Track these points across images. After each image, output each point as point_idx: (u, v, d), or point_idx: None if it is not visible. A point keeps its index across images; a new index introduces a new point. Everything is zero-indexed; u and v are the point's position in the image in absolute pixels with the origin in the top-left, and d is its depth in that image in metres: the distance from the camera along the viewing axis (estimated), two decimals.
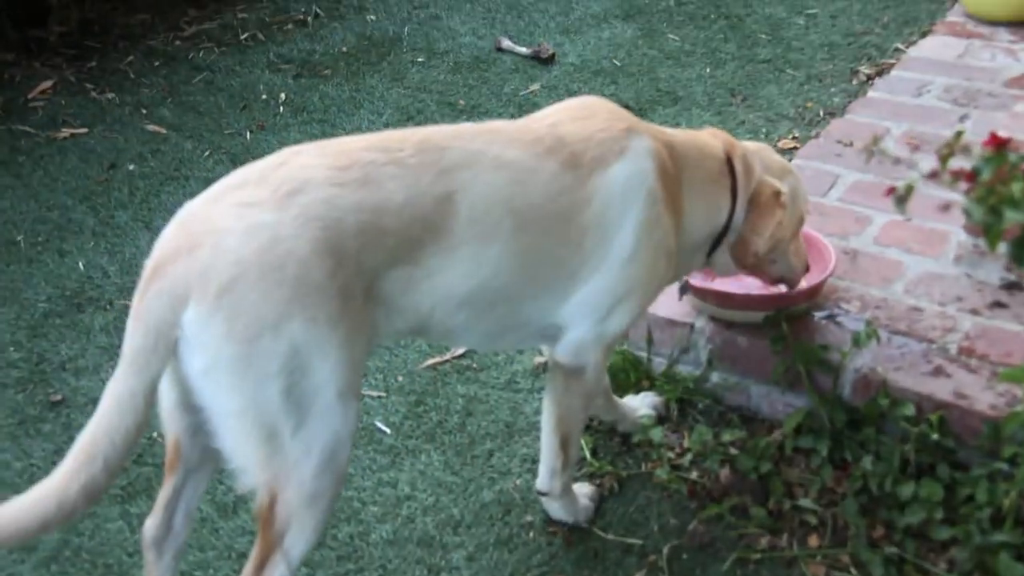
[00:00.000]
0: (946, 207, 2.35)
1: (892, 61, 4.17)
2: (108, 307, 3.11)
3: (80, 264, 3.29)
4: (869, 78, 4.14)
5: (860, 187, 3.09)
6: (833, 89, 4.11)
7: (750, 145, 2.33)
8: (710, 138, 2.27)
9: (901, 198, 1.58)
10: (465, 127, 1.98)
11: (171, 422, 1.93)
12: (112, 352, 2.91)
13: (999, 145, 1.65)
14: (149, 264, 1.76)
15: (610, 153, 2.02)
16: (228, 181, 1.81)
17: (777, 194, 2.23)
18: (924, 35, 4.33)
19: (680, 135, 2.22)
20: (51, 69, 4.57)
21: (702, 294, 2.55)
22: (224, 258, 1.68)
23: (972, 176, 1.64)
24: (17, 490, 1.68)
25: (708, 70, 4.36)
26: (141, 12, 5.03)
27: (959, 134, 1.72)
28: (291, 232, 1.71)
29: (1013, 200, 1.51)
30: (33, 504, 1.67)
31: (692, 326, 2.60)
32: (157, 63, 4.63)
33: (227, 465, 1.82)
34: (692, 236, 2.20)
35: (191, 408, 1.83)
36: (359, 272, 1.78)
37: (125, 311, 3.08)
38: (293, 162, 1.80)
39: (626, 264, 2.04)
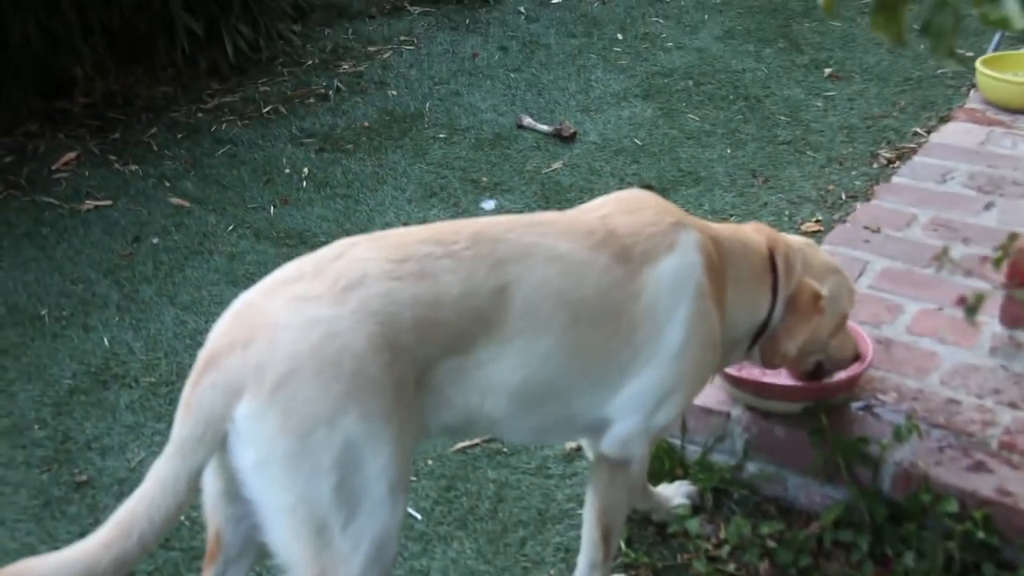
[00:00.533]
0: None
1: (912, 146, 4.22)
2: (134, 384, 3.08)
3: (105, 340, 3.28)
4: (889, 162, 4.18)
5: (890, 274, 3.09)
6: (854, 172, 4.15)
7: (794, 240, 2.34)
8: (754, 233, 2.28)
9: (972, 309, 1.58)
10: (517, 219, 1.99)
11: (215, 512, 1.90)
12: (138, 431, 2.89)
13: None
14: (203, 355, 1.75)
15: (660, 247, 2.02)
16: (283, 273, 1.81)
17: (817, 297, 2.24)
18: (943, 120, 4.38)
19: (725, 230, 2.24)
20: (75, 140, 4.60)
21: (739, 383, 2.54)
22: (280, 353, 1.67)
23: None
24: None
25: (729, 150, 4.39)
26: (164, 84, 5.08)
27: (1013, 237, 1.73)
28: (348, 326, 1.70)
29: None
30: (63, 565, 1.65)
31: (728, 415, 2.58)
32: (180, 135, 4.66)
33: (273, 559, 1.79)
34: (734, 330, 2.21)
35: (236, 499, 1.81)
36: (413, 364, 1.78)
37: (151, 389, 3.11)
38: (349, 255, 1.80)
39: (676, 358, 2.03)
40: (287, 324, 1.70)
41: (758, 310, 2.24)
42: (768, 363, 2.29)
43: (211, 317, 2.61)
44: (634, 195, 2.16)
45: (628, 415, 2.06)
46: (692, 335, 2.05)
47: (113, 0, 4.63)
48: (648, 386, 2.04)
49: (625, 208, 2.08)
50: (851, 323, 2.66)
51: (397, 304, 1.75)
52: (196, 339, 3.13)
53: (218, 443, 1.71)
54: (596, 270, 1.95)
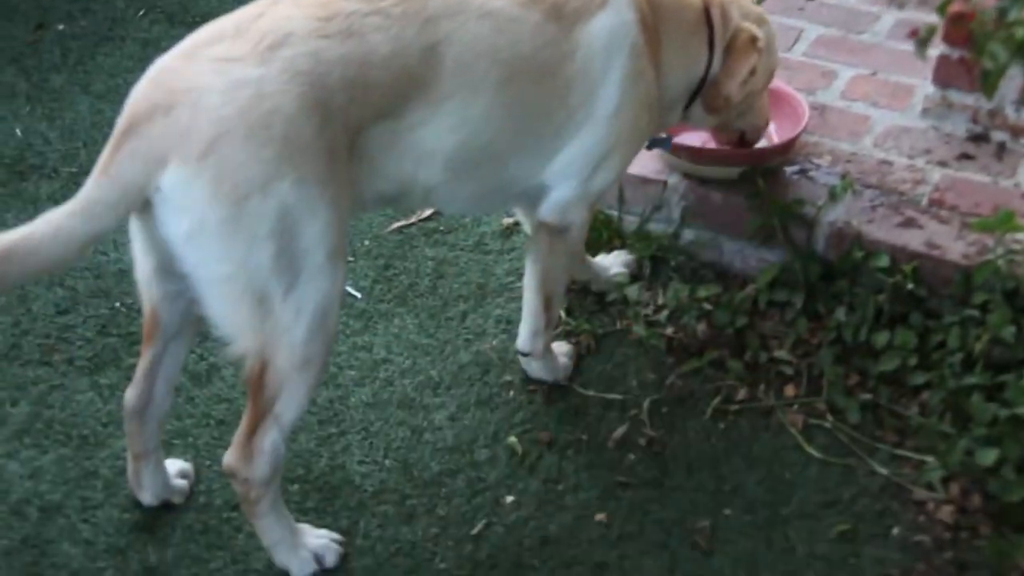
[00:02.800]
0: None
1: None
2: (53, 175, 2.97)
3: (17, 131, 3.13)
4: None
5: (824, 41, 3.06)
6: None
7: None
8: None
9: (923, 41, 1.55)
10: None
11: (148, 291, 1.87)
12: None
13: None
14: (121, 122, 1.67)
15: (592, 4, 1.95)
16: (201, 35, 1.71)
17: (754, 39, 2.19)
18: None
19: None
20: None
21: (676, 150, 2.52)
22: (206, 117, 1.60)
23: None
24: None
25: None
26: None
27: None
28: (276, 88, 1.63)
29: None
30: None
31: (665, 183, 2.58)
32: None
33: (214, 331, 1.78)
34: (670, 91, 2.17)
35: (171, 276, 1.77)
36: (345, 128, 1.72)
37: (71, 179, 2.99)
38: (271, 13, 1.70)
39: (611, 119, 2.00)
40: (211, 87, 1.61)
41: (695, 67, 2.19)
42: (710, 108, 2.24)
43: None
44: None
45: (565, 180, 2.04)
46: (628, 96, 2.00)
47: None
48: (584, 149, 2.01)
49: None
50: (787, 87, 2.65)
51: (325, 64, 1.67)
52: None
53: (129, 212, 1.67)
54: (529, 27, 1.88)
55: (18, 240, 1.61)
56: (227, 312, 1.71)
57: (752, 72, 2.19)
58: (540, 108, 1.92)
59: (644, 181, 2.59)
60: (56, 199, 2.85)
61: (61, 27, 3.63)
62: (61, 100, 3.26)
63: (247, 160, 1.60)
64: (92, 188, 1.64)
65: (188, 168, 1.60)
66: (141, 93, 1.68)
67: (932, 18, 1.84)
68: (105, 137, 2.15)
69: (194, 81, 1.63)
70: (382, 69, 1.73)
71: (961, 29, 1.96)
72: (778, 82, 2.51)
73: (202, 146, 1.59)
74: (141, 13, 3.71)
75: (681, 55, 2.15)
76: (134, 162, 1.63)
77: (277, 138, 1.61)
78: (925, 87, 2.75)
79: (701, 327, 2.40)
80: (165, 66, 1.69)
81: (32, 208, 2.84)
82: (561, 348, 2.37)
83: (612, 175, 2.09)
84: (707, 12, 2.17)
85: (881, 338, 2.26)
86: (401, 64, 1.75)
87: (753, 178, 2.46)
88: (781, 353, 2.34)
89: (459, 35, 1.80)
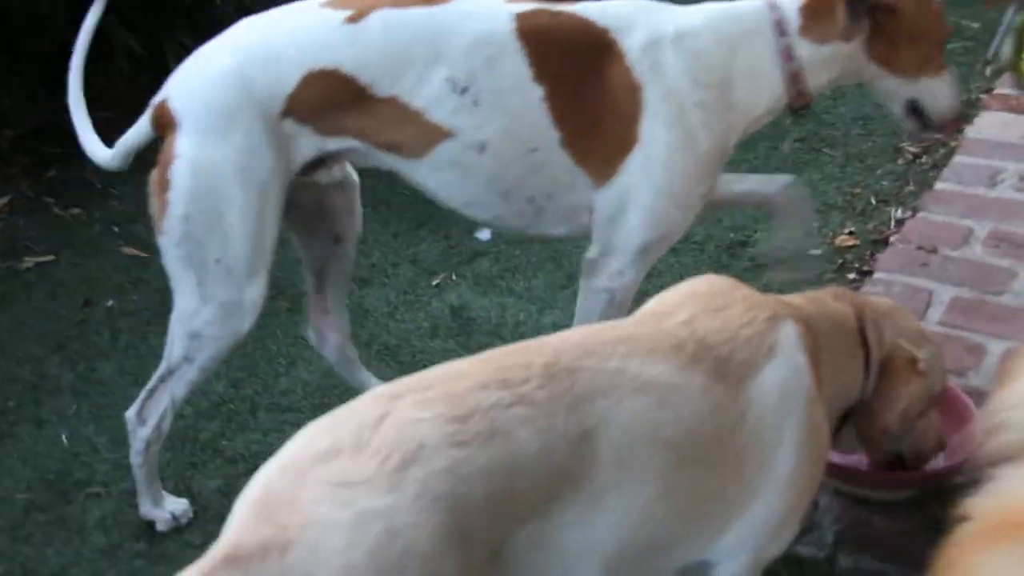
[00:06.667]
0: None
1: (939, 137, 3.86)
2: (102, 492, 2.62)
3: (63, 436, 2.81)
4: (916, 157, 3.82)
5: (961, 305, 2.74)
6: (879, 171, 3.78)
7: (880, 305, 2.01)
8: (836, 302, 1.92)
9: None
10: (592, 336, 1.58)
11: None
12: (113, 556, 2.43)
13: None
14: (219, 550, 1.32)
15: (759, 352, 1.65)
16: (313, 445, 1.38)
17: (913, 361, 1.90)
18: (969, 105, 4.02)
19: (809, 306, 1.86)
20: (5, 181, 4.07)
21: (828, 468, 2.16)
22: (330, 563, 1.26)
23: None
24: None
25: (737, 154, 3.99)
26: (103, 110, 4.54)
27: None
28: (410, 520, 1.29)
29: None
30: None
31: (816, 503, 2.21)
32: (127, 169, 4.14)
33: None
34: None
35: None
36: (487, 546, 1.37)
37: (123, 498, 2.64)
38: (396, 415, 1.37)
39: (789, 483, 1.68)
40: (334, 523, 1.28)
41: (851, 393, 1.91)
42: (868, 443, 1.95)
43: None
44: (714, 286, 1.79)
45: (737, 555, 1.69)
46: (806, 451, 1.69)
47: (45, 25, 4.08)
48: (760, 521, 1.68)
49: (709, 306, 1.70)
50: (950, 385, 2.31)
51: (466, 480, 1.34)
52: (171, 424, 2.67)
53: None
54: (693, 395, 1.57)
55: None
56: None
57: (912, 399, 1.89)
58: (711, 487, 1.59)
59: None
60: (105, 526, 2.52)
61: (110, 303, 3.36)
62: (109, 394, 2.95)
63: None
64: None
65: None
66: (244, 521, 1.34)
67: None
68: None
69: (311, 514, 1.29)
70: (531, 471, 1.40)
71: None
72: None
73: None
74: None
75: (840, 385, 1.87)
76: None
77: None
78: None
79: None
80: (272, 487, 1.35)
81: (78, 539, 2.49)
82: None
83: (789, 537, 1.76)
84: (862, 332, 1.89)
85: None
86: (551, 462, 1.42)
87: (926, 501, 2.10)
88: None
89: (615, 416, 1.48)
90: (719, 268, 3.37)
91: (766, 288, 3.35)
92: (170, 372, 2.33)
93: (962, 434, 2.20)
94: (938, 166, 3.61)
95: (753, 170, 3.87)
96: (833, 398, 1.85)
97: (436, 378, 1.46)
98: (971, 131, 3.68)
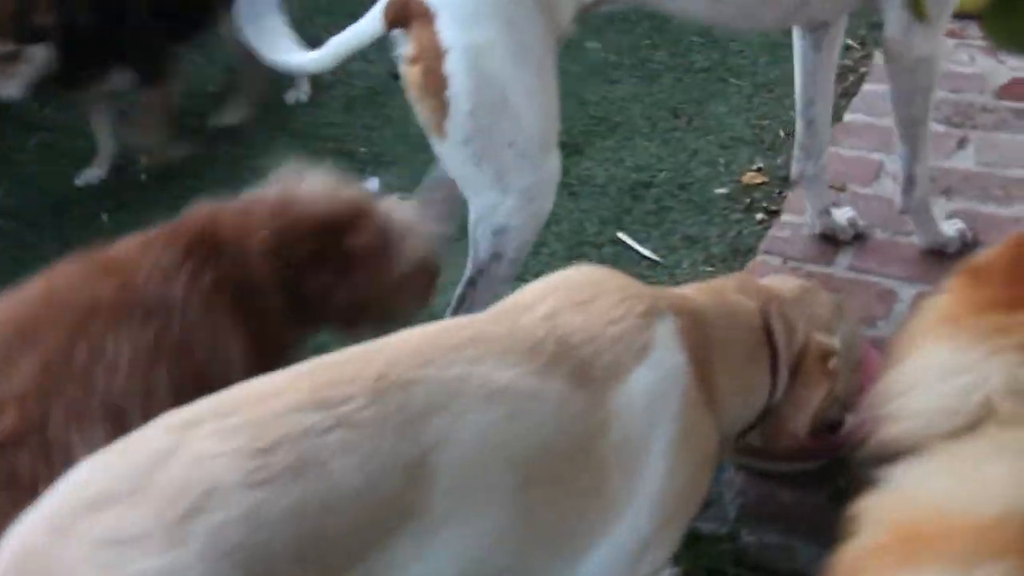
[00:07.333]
0: None
1: (847, 62, 3.66)
2: None
3: None
4: None
5: (872, 247, 2.57)
6: (787, 101, 3.56)
7: (789, 292, 1.79)
8: (739, 295, 1.72)
9: None
10: (437, 334, 1.36)
11: None
12: None
13: None
14: None
15: (629, 353, 1.45)
16: (84, 488, 1.15)
17: (824, 358, 1.72)
18: (875, 27, 3.82)
19: (703, 297, 1.67)
20: None
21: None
22: None
23: None
24: None
25: (642, 86, 3.78)
26: None
27: None
28: None
29: None
30: None
31: (716, 477, 2.04)
32: None
33: None
34: (727, 429, 1.68)
35: None
36: None
37: None
38: (185, 450, 1.14)
39: (661, 498, 1.49)
40: None
41: (755, 399, 1.71)
42: (773, 446, 1.76)
43: None
44: (584, 276, 1.58)
45: None
46: (681, 461, 1.50)
47: None
48: (627, 540, 1.49)
49: (575, 299, 1.49)
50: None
51: (266, 527, 1.12)
52: None
53: None
54: (550, 404, 1.37)
55: None
56: None
57: (824, 402, 1.74)
58: (569, 508, 1.40)
59: None
60: None
61: None
62: None
63: None
64: None
65: None
66: None
67: None
68: None
69: None
70: (352, 508, 1.19)
71: None
72: None
73: None
74: (53, 247, 3.16)
75: (739, 389, 1.67)
76: None
77: None
78: None
79: None
80: (29, 545, 1.12)
81: None
82: None
83: (665, 553, 1.58)
84: (767, 327, 1.69)
85: None
86: (377, 495, 1.20)
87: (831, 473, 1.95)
88: None
89: (455, 434, 1.28)
90: (622, 212, 3.17)
91: (671, 229, 3.31)
92: (480, 273, 2.13)
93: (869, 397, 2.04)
94: (848, 94, 3.42)
95: (656, 104, 3.66)
96: (731, 405, 1.64)
97: (243, 399, 1.23)
98: (880, 57, 3.48)
